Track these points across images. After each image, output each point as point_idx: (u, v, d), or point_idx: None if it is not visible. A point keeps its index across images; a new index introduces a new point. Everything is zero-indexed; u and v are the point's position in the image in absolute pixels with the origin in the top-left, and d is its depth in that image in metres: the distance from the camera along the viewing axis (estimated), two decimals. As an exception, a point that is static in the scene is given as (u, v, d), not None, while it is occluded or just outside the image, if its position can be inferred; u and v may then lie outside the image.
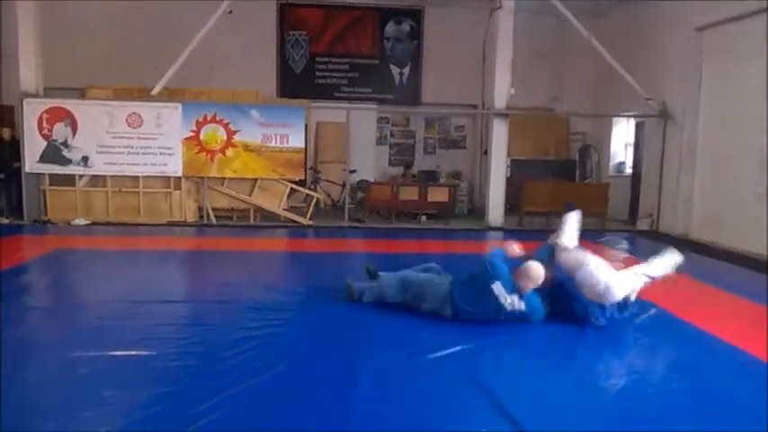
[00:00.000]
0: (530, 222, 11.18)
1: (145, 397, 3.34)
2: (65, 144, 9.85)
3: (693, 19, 9.92)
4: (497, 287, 4.55)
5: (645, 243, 10.06)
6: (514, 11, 10.69)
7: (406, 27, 13.43)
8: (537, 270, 4.63)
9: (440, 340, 4.35)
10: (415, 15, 13.42)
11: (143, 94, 10.18)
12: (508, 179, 11.42)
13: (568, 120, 13.85)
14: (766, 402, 3.48)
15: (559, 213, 10.43)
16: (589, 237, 10.10)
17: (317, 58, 13.25)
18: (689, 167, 10.25)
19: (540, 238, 9.88)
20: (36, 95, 9.92)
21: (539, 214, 11.28)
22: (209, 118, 10.17)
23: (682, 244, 9.56)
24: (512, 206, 11.47)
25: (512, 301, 4.56)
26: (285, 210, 10.67)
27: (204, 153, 10.21)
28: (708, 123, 9.99)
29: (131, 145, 10.02)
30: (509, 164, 11.82)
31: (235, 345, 4.18)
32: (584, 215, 11.45)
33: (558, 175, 12.69)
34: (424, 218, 11.40)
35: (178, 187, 10.28)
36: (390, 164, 14.25)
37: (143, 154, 10.06)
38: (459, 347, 4.25)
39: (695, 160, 10.18)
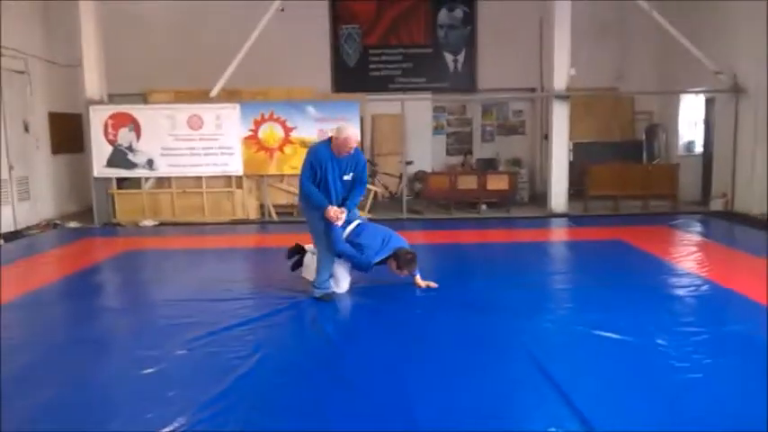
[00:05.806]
0: (595, 207, 10.80)
1: (209, 395, 3.38)
2: (130, 148, 10.13)
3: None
4: None
5: (720, 224, 9.56)
6: (571, -12, 10.28)
7: (459, 13, 13.17)
8: None
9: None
10: (468, 0, 13.14)
11: (203, 97, 10.38)
12: (571, 164, 11.05)
13: (633, 99, 13.27)
14: None
15: (627, 197, 9.99)
16: (661, 220, 9.74)
17: (371, 51, 13.19)
18: (765, 144, 9.62)
19: (607, 223, 9.65)
20: (101, 102, 10.23)
21: (605, 198, 10.90)
22: (266, 117, 10.27)
23: (759, 224, 9.04)
24: (576, 191, 11.10)
25: None
26: (344, 204, 10.65)
27: (263, 151, 10.32)
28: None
29: (193, 146, 10.22)
30: (571, 148, 11.42)
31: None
32: (654, 198, 11.07)
33: (624, 157, 12.18)
34: (484, 207, 11.18)
35: (240, 186, 10.43)
36: (448, 153, 14.04)
37: (205, 155, 10.24)
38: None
39: (773, 135, 9.53)
